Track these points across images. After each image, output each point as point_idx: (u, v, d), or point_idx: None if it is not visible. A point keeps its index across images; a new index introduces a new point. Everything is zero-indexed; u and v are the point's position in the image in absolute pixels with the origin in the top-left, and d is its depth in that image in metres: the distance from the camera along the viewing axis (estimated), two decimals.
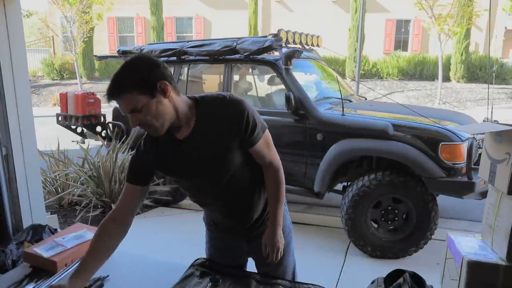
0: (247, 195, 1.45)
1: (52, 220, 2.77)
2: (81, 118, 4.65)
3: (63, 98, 4.83)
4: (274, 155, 1.43)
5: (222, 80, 4.03)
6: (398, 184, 3.00)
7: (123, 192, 1.41)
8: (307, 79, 4.14)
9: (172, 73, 1.28)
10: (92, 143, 4.83)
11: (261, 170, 1.44)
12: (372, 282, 1.38)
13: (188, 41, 4.25)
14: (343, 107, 3.26)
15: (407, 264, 2.94)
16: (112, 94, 1.18)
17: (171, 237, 3.53)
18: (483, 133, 1.70)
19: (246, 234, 1.53)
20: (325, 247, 3.32)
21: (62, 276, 1.50)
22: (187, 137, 1.32)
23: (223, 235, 1.58)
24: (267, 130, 1.39)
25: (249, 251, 1.58)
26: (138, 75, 1.17)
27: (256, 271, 1.61)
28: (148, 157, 1.37)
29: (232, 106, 1.30)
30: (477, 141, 3.05)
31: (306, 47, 4.20)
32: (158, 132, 1.26)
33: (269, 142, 1.41)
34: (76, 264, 1.57)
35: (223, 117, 1.30)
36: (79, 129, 4.93)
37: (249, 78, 4.41)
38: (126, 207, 1.40)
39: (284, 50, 3.59)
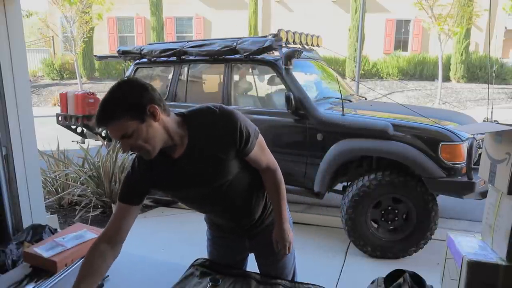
0: (246, 200, 1.45)
1: (52, 220, 2.77)
2: (81, 118, 4.66)
3: (63, 98, 4.84)
4: (269, 158, 1.43)
5: (222, 80, 4.03)
6: (398, 184, 3.00)
7: (115, 212, 1.36)
8: (307, 79, 4.13)
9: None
10: (92, 143, 4.84)
11: (258, 174, 1.45)
12: (372, 282, 1.39)
13: (188, 41, 4.25)
14: (343, 107, 3.26)
15: (407, 264, 2.94)
16: (101, 121, 1.15)
17: (171, 237, 3.53)
18: (483, 133, 1.70)
19: (247, 233, 1.54)
20: (325, 247, 3.32)
21: (62, 276, 1.50)
22: (182, 156, 1.30)
23: (224, 234, 1.59)
24: (260, 135, 1.38)
25: (250, 247, 1.59)
26: (127, 101, 1.15)
27: (256, 266, 1.62)
28: (143, 177, 1.34)
29: (224, 119, 1.28)
30: (477, 141, 3.05)
31: (306, 47, 4.20)
32: (150, 155, 1.24)
33: (263, 146, 1.40)
34: (76, 264, 1.58)
35: (216, 131, 1.28)
36: (79, 129, 4.93)
37: (249, 78, 4.41)
38: (120, 226, 1.34)
39: (284, 50, 3.59)
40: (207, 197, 1.39)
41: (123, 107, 1.15)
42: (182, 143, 1.29)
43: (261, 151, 1.39)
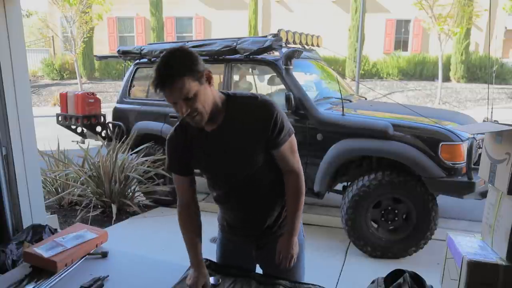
0: (263, 198, 1.45)
1: (52, 220, 2.77)
2: (81, 118, 4.65)
3: (63, 98, 4.82)
4: (297, 162, 1.43)
5: (222, 80, 4.03)
6: (398, 184, 2.99)
7: (175, 183, 1.48)
8: (307, 79, 4.13)
9: None
10: (92, 143, 4.83)
11: (282, 179, 1.44)
12: (372, 282, 1.39)
13: (188, 41, 4.25)
14: (343, 107, 3.26)
15: (407, 264, 2.94)
16: (165, 82, 1.19)
17: (171, 237, 3.51)
18: (483, 133, 1.70)
19: (256, 241, 1.53)
20: (325, 247, 3.32)
21: (62, 276, 1.50)
22: (215, 130, 1.35)
23: (234, 237, 1.57)
24: (293, 136, 1.40)
25: (257, 257, 1.57)
26: (188, 63, 1.20)
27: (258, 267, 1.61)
28: (181, 149, 1.41)
29: (263, 106, 1.33)
30: (477, 141, 3.05)
31: (306, 47, 4.20)
32: (203, 120, 1.27)
33: (294, 148, 1.42)
34: (76, 264, 1.58)
35: (253, 115, 1.33)
36: (79, 129, 4.92)
37: (249, 78, 4.41)
38: (187, 194, 1.47)
39: (284, 50, 3.59)
40: (229, 183, 1.42)
41: (186, 68, 1.19)
42: (217, 118, 1.33)
43: (291, 152, 1.40)
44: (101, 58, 5.90)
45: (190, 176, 1.46)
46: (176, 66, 1.18)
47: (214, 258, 1.61)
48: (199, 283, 1.39)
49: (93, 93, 4.89)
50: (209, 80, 1.25)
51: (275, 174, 1.44)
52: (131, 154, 4.24)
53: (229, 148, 1.36)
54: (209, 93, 1.26)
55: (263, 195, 1.44)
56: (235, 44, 3.70)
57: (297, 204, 1.44)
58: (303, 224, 1.62)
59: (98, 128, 4.88)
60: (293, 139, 1.40)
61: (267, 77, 4.31)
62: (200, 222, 1.50)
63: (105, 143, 4.57)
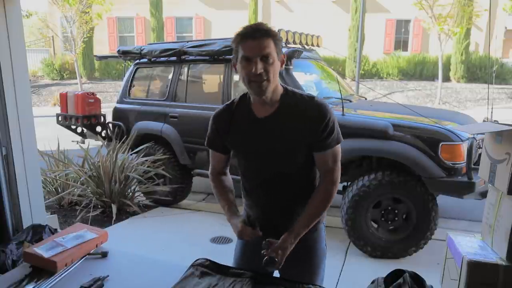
0: (290, 201, 1.45)
1: (52, 220, 2.77)
2: (81, 118, 4.65)
3: (63, 98, 4.82)
4: (337, 169, 1.42)
5: (222, 80, 4.03)
6: (398, 184, 2.99)
7: (211, 157, 1.55)
8: (307, 79, 4.14)
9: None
10: (92, 143, 4.83)
11: (312, 191, 1.42)
12: (372, 282, 1.38)
13: (188, 41, 4.25)
14: (343, 107, 3.26)
15: (407, 264, 2.94)
16: (255, 34, 1.25)
17: (171, 237, 3.53)
18: (483, 133, 1.70)
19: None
20: None
21: (62, 276, 1.50)
22: (266, 118, 1.37)
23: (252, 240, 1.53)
24: (339, 145, 1.41)
25: None
26: (277, 35, 1.30)
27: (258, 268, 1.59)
28: (224, 127, 1.44)
29: (318, 106, 1.36)
30: (477, 141, 3.05)
31: (306, 47, 4.20)
32: (267, 91, 1.31)
33: (337, 157, 1.42)
34: (76, 264, 1.58)
35: (305, 114, 1.35)
36: (79, 129, 4.92)
37: None
38: (219, 166, 1.54)
39: (284, 50, 3.59)
40: (262, 176, 1.43)
41: (275, 35, 1.29)
42: (271, 106, 1.37)
43: (333, 160, 1.41)
44: (101, 58, 5.90)
45: (226, 154, 1.52)
46: (268, 28, 1.28)
47: (215, 258, 1.61)
48: (246, 228, 1.37)
49: (93, 93, 4.90)
50: (282, 62, 1.33)
51: (308, 182, 1.45)
52: (131, 154, 4.24)
53: (274, 139, 1.37)
54: (278, 72, 1.31)
55: (291, 197, 1.44)
56: None
57: (320, 208, 1.40)
58: None
59: (98, 128, 4.88)
60: (338, 148, 1.41)
61: None
62: (231, 183, 1.56)
63: (105, 143, 4.57)
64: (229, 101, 1.49)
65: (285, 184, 1.41)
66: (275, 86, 1.34)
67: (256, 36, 1.25)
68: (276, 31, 1.32)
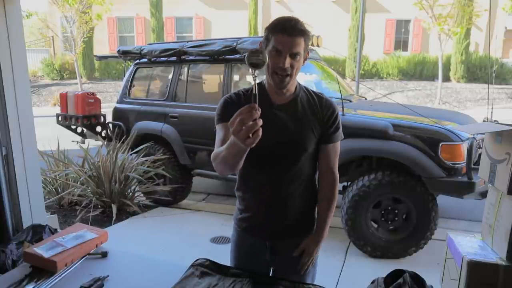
0: (295, 192, 1.46)
1: (52, 220, 2.77)
2: (81, 118, 4.65)
3: (63, 98, 4.83)
4: (336, 168, 1.53)
5: (222, 80, 4.03)
6: (398, 184, 2.99)
7: (217, 138, 1.40)
8: (307, 79, 4.13)
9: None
10: (92, 143, 4.83)
11: (315, 184, 1.51)
12: (372, 282, 1.38)
13: (188, 41, 4.25)
14: (343, 107, 3.26)
15: (407, 264, 2.94)
16: (293, 31, 1.29)
17: (171, 237, 3.53)
18: (483, 133, 1.70)
19: (272, 240, 1.51)
20: (325, 247, 3.28)
21: (62, 276, 1.50)
22: (281, 105, 1.42)
23: (249, 238, 1.55)
24: (340, 142, 1.52)
25: (270, 262, 1.55)
26: (309, 35, 1.35)
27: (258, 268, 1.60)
28: (234, 110, 1.32)
29: (329, 102, 1.48)
30: (477, 141, 3.05)
31: None
32: (288, 85, 1.37)
33: (337, 154, 1.52)
34: (76, 264, 1.58)
35: (318, 105, 1.46)
36: (79, 129, 4.93)
37: (249, 78, 4.40)
38: (226, 142, 1.43)
39: None
40: (269, 163, 1.43)
41: (308, 35, 1.34)
42: (287, 95, 1.43)
43: (335, 154, 1.51)
44: (101, 58, 5.90)
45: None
46: (304, 29, 1.32)
47: (215, 258, 1.60)
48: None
49: (93, 93, 4.90)
50: (305, 58, 1.38)
51: (312, 174, 1.50)
52: (131, 154, 4.24)
53: (289, 123, 1.41)
54: (300, 69, 1.37)
55: (295, 188, 1.46)
56: (235, 44, 3.70)
57: (330, 205, 1.51)
58: None
59: (98, 128, 4.89)
60: (339, 145, 1.52)
61: None
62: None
63: (105, 143, 4.57)
64: (240, 89, 1.50)
65: (291, 174, 1.44)
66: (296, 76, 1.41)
67: (292, 34, 1.30)
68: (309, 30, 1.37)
